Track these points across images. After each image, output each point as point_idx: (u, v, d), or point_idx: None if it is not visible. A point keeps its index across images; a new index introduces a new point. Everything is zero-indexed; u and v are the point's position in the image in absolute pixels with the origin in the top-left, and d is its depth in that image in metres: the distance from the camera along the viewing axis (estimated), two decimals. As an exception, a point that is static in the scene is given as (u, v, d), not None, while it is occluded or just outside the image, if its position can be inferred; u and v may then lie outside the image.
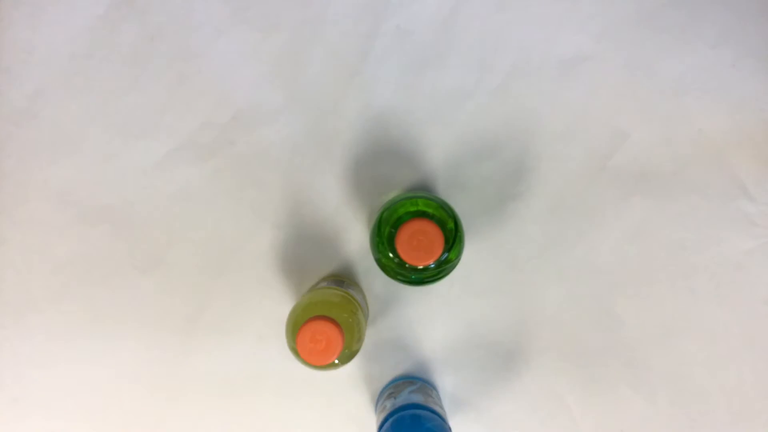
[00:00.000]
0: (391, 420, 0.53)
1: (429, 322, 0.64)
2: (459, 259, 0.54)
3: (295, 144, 0.63)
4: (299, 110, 0.63)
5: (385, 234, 0.53)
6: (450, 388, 0.64)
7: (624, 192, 0.63)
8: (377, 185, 0.64)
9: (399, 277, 0.53)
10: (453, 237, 0.53)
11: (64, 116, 0.64)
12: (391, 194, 0.63)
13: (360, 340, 0.54)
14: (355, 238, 0.64)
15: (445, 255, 0.52)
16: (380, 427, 0.54)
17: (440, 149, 0.63)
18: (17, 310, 0.64)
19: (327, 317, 0.49)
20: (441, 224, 0.52)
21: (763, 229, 0.63)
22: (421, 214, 0.53)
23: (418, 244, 0.48)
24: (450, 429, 0.53)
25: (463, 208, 0.63)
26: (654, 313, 0.63)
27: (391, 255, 0.52)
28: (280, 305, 0.64)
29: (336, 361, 0.52)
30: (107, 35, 0.64)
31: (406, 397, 0.57)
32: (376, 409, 0.62)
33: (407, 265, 0.51)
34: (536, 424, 0.64)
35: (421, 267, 0.52)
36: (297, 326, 0.51)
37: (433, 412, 0.54)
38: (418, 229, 0.48)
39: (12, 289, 0.64)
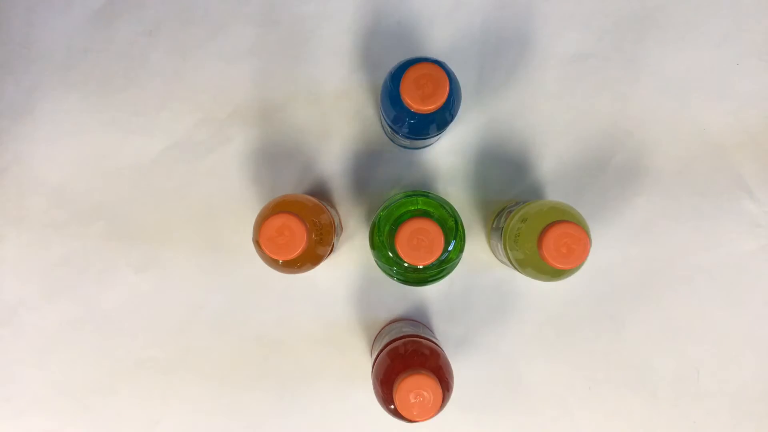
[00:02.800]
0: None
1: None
2: (459, 259, 0.53)
3: (294, 141, 0.63)
4: (298, 106, 0.63)
5: (384, 233, 0.52)
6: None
7: (626, 192, 0.63)
8: (377, 183, 0.63)
9: (399, 276, 0.52)
10: (453, 236, 0.52)
11: (61, 112, 0.63)
12: (391, 193, 0.63)
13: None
14: (354, 235, 0.63)
15: (446, 254, 0.51)
16: None
17: (440, 148, 0.63)
18: (11, 307, 0.64)
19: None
20: (441, 223, 0.51)
21: (766, 230, 0.62)
22: (421, 213, 0.53)
23: (419, 243, 0.47)
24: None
25: (464, 207, 0.62)
26: (656, 314, 0.63)
27: (390, 254, 0.51)
28: (278, 303, 0.63)
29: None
30: (104, 30, 0.63)
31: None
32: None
33: (407, 265, 0.51)
34: (537, 426, 0.63)
35: (421, 266, 0.51)
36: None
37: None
38: (418, 228, 0.47)
39: (6, 286, 0.64)
